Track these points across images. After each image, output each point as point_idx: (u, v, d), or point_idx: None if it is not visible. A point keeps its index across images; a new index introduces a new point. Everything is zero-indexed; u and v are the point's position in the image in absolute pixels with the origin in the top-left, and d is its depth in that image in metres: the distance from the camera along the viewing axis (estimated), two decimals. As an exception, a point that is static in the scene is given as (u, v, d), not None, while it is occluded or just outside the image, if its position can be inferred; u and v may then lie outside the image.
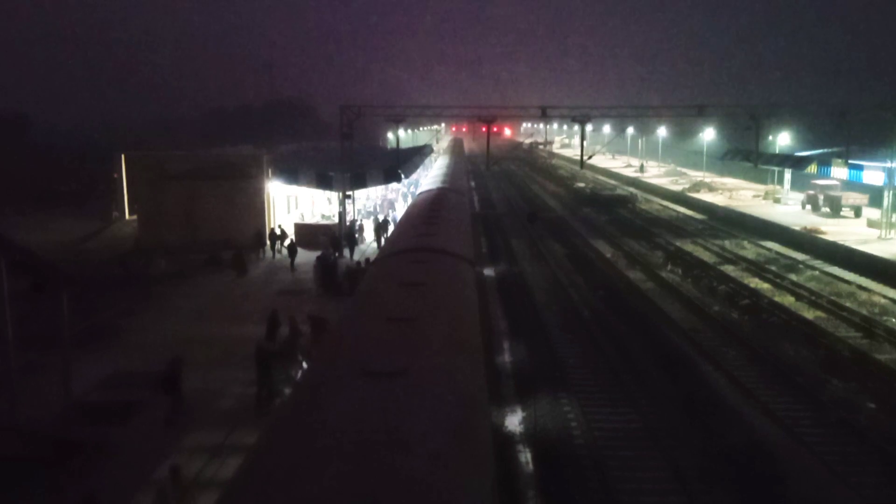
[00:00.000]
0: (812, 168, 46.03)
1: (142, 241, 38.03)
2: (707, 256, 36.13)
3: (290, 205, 43.32)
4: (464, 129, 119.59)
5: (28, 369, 17.88)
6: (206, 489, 13.14)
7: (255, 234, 36.53)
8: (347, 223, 38.48)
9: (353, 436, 6.24)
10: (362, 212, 45.86)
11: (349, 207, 38.64)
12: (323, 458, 5.92)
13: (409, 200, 49.22)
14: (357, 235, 38.40)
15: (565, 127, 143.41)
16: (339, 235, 36.74)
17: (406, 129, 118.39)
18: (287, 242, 35.47)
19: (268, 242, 36.79)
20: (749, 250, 37.75)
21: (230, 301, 27.48)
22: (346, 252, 35.47)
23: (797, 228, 40.21)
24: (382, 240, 37.64)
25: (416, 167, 52.51)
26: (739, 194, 58.08)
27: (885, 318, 24.67)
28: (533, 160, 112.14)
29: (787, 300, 27.43)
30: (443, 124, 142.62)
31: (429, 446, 6.12)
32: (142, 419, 15.61)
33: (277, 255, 35.87)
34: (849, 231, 39.12)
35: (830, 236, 37.41)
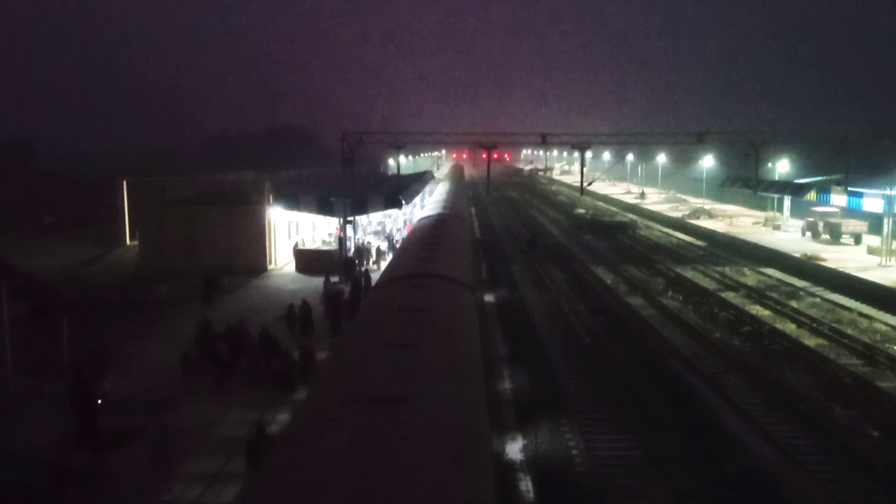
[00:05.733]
0: (811, 195, 46.23)
1: (143, 266, 38.04)
2: (707, 283, 36.11)
3: (291, 230, 43.36)
4: (464, 156, 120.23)
5: (27, 395, 17.84)
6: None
7: (206, 280, 31.52)
8: (353, 247, 38.47)
9: (353, 463, 6.21)
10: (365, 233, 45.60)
11: (350, 232, 38.67)
12: (323, 486, 5.89)
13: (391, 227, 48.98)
14: (363, 258, 38.26)
15: (565, 153, 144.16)
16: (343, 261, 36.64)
17: (407, 156, 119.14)
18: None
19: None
20: (749, 277, 37.74)
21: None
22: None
23: (797, 255, 40.25)
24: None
25: (417, 193, 52.63)
26: (739, 221, 58.21)
27: (886, 345, 24.60)
28: (533, 186, 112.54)
29: (789, 327, 27.38)
30: (443, 150, 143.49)
31: (430, 474, 6.10)
32: (139, 445, 15.52)
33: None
34: (849, 258, 39.14)
35: (831, 263, 37.41)
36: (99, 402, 16.38)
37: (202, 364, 20.20)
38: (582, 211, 70.97)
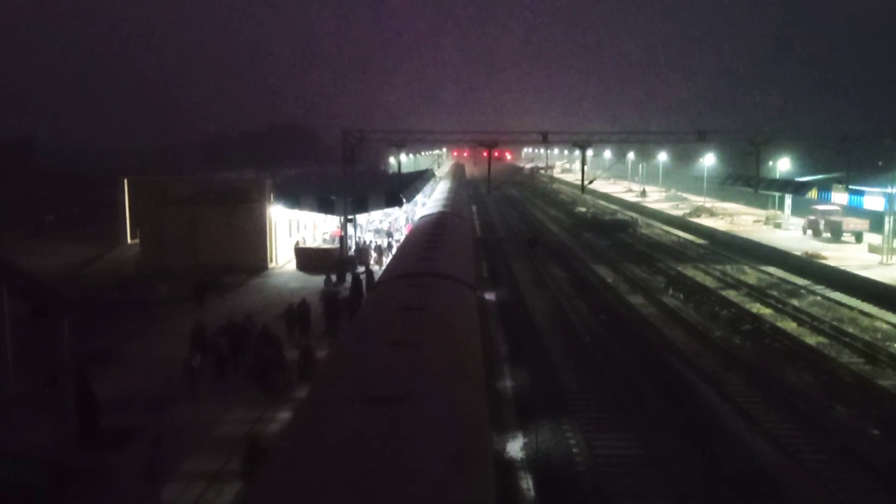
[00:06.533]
0: (813, 193, 46.12)
1: (143, 265, 38.04)
2: (708, 281, 36.06)
3: (292, 228, 43.34)
4: (465, 154, 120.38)
5: (27, 394, 17.81)
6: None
7: (198, 282, 30.95)
8: (354, 246, 38.35)
9: (352, 463, 6.19)
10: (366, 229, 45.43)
11: (351, 231, 38.64)
12: (323, 486, 5.88)
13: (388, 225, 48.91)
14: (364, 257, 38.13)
15: (566, 152, 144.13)
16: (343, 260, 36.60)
17: (408, 154, 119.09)
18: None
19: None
20: (750, 275, 37.70)
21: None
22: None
23: (798, 254, 40.19)
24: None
25: (418, 191, 52.59)
26: (740, 219, 58.13)
27: (887, 343, 24.57)
28: (534, 185, 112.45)
29: (790, 325, 27.34)
30: (444, 149, 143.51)
31: (429, 474, 6.08)
32: (140, 445, 15.49)
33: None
34: (850, 256, 39.08)
35: (832, 261, 37.36)
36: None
37: (203, 366, 20.14)
38: (583, 209, 70.90)
